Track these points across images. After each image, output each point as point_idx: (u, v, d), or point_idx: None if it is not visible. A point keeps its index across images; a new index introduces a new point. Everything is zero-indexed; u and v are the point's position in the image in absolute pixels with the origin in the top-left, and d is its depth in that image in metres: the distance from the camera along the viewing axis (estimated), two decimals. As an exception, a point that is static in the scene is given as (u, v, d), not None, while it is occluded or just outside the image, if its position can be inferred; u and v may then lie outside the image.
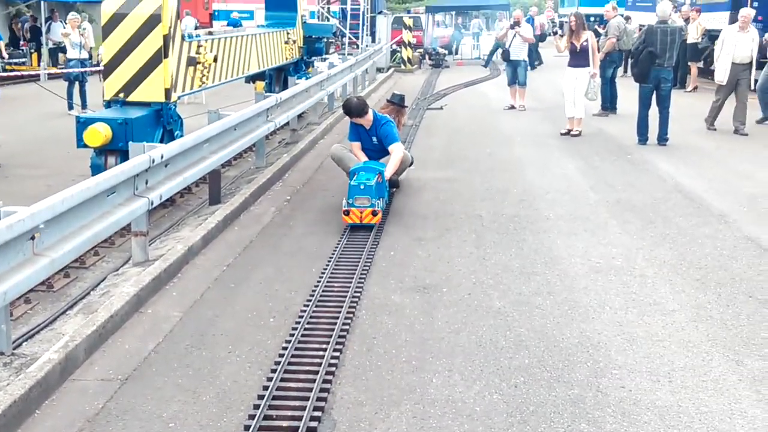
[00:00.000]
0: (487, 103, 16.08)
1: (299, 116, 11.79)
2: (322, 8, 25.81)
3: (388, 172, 7.49)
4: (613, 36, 13.75)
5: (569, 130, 11.69)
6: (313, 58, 14.61)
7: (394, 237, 6.68)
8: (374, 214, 6.82)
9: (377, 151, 7.93)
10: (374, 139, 7.89)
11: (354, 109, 7.80)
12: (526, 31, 14.68)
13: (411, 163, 8.50)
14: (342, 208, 6.90)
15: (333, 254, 6.10)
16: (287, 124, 10.95)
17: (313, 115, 13.02)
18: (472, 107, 15.42)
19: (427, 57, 26.87)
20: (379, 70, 22.07)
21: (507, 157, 10.15)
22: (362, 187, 6.92)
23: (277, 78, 12.98)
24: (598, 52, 12.22)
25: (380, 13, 25.68)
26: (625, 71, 18.13)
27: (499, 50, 24.75)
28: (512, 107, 14.73)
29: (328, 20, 20.23)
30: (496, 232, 6.79)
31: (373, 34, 25.03)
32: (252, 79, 12.15)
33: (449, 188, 8.44)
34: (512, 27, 14.59)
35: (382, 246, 6.40)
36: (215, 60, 8.65)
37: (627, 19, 15.24)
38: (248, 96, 12.15)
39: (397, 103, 8.87)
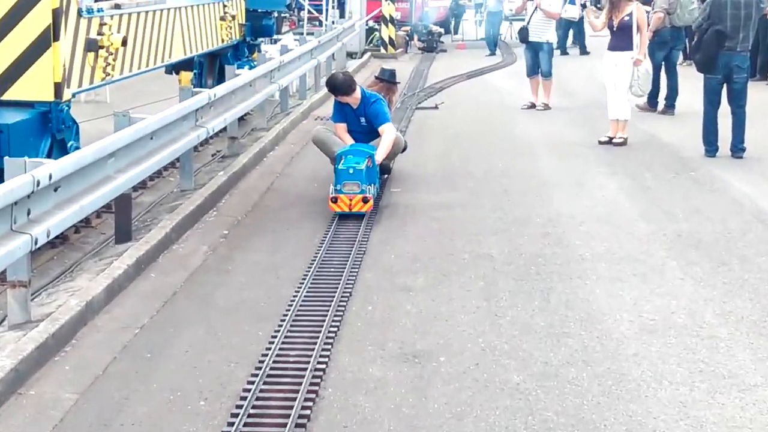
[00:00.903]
0: (499, 99, 16.18)
1: (240, 119, 11.79)
2: (272, -29, 25.95)
3: (380, 156, 8.80)
4: (660, 9, 13.87)
5: (611, 138, 11.76)
6: (260, 39, 14.59)
7: (373, 286, 6.66)
8: (365, 201, 8.16)
9: (365, 133, 9.23)
10: (362, 119, 9.19)
11: (340, 85, 9.14)
12: (552, 3, 14.75)
13: (404, 148, 9.84)
14: (329, 195, 8.23)
15: (288, 310, 6.08)
16: (224, 130, 10.94)
17: (260, 118, 13.04)
18: (479, 106, 15.51)
19: (415, 37, 27.05)
20: (350, 55, 22.18)
21: (526, 175, 10.21)
22: (351, 171, 8.25)
23: (210, 67, 13.00)
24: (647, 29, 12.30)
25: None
26: (687, 57, 18.32)
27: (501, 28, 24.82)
28: (533, 105, 14.83)
29: (281, -12, 20.36)
30: (513, 279, 6.80)
31: (342, 6, 25.19)
32: (175, 68, 12.17)
33: (447, 217, 8.47)
34: (530, -2, 14.69)
35: (356, 298, 6.39)
36: (124, 43, 8.66)
37: None
38: (170, 92, 12.13)
39: (386, 79, 10.19)
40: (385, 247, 7.58)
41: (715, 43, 10.76)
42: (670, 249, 7.52)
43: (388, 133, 9.00)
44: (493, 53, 24.55)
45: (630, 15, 11.58)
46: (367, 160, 8.46)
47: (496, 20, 24.98)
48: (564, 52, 23.15)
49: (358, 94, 9.11)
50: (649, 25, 13.26)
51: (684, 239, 7.77)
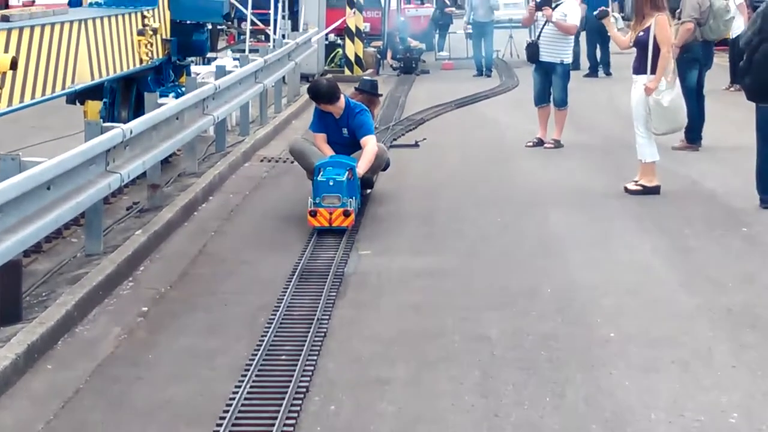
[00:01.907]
0: (497, 135, 16.27)
1: (164, 162, 11.78)
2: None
3: (361, 168, 10.49)
4: (690, 19, 13.88)
5: (644, 186, 11.67)
6: (190, 59, 14.60)
7: (337, 379, 6.66)
8: (346, 214, 9.74)
9: (346, 145, 10.92)
10: (345, 130, 10.93)
11: (324, 92, 10.82)
12: (568, 12, 14.71)
13: (387, 166, 11.48)
14: (307, 209, 9.80)
15: (227, 411, 6.05)
16: (143, 176, 10.94)
17: (190, 161, 13.00)
18: (471, 143, 15.60)
19: (389, 55, 27.22)
20: (305, 78, 22.28)
21: (533, 233, 10.25)
22: (331, 183, 9.87)
23: (124, 95, 12.97)
24: (672, 45, 11.96)
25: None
26: (734, 81, 18.49)
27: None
28: (540, 143, 14.89)
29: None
30: (518, 367, 6.80)
31: (294, 16, 25.32)
32: (80, 97, 12.15)
33: (433, 288, 8.49)
34: (539, 7, 14.65)
35: (315, 395, 6.38)
36: (14, 65, 8.67)
37: None
38: (73, 127, 12.12)
39: (368, 91, 11.92)
40: (352, 328, 7.58)
41: (769, 64, 10.79)
42: (718, 328, 7.53)
43: (370, 144, 10.74)
44: (481, 74, 24.79)
45: (647, 30, 11.47)
46: (347, 172, 10.08)
47: (486, 32, 25.10)
48: (593, 73, 23.39)
49: (342, 103, 10.86)
50: (675, 38, 13.07)
51: (736, 316, 7.78)
